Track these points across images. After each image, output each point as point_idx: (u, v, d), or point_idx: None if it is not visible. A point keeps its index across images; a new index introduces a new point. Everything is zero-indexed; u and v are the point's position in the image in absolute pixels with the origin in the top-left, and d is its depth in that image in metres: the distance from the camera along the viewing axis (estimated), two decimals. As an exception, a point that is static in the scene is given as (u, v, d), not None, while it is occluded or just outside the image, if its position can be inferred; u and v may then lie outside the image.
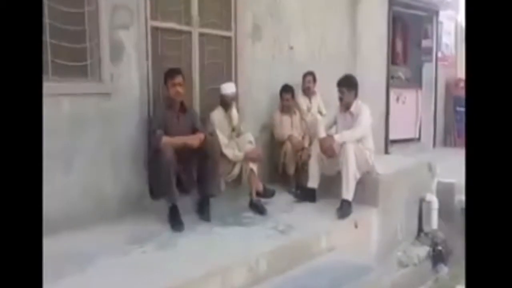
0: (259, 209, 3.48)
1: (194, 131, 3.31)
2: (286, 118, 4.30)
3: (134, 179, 3.30)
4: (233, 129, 3.77)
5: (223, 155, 3.49)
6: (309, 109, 4.59)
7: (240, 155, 3.58)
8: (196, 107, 3.77)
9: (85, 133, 3.02)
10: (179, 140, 3.10)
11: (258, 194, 3.63)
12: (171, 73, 3.21)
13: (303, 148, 4.17)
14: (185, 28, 3.69)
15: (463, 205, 4.73)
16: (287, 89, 4.24)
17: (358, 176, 3.59)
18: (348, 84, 3.73)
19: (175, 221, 3.05)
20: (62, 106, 2.90)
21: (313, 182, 3.76)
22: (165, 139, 3.05)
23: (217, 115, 3.70)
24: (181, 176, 3.12)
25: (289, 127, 4.28)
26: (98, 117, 3.09)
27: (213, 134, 3.51)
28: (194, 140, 3.13)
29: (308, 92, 4.62)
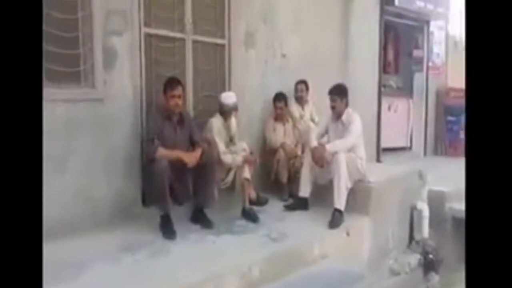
0: (252, 217, 3.48)
1: (191, 142, 3.31)
2: (279, 126, 4.31)
3: (127, 186, 3.28)
4: (230, 139, 3.76)
5: (219, 161, 3.49)
6: (302, 117, 4.61)
7: (238, 159, 3.58)
8: (190, 113, 3.76)
9: (78, 139, 3.00)
10: (176, 154, 3.08)
11: (251, 202, 3.63)
12: (171, 84, 3.17)
13: (296, 156, 4.19)
14: (178, 35, 3.70)
15: (454, 213, 4.79)
16: (280, 97, 4.26)
17: (350, 185, 3.60)
18: (339, 93, 3.76)
19: (167, 230, 3.03)
20: (55, 112, 2.88)
21: (304, 191, 3.77)
22: (161, 152, 3.03)
23: (216, 122, 3.69)
24: (175, 186, 3.09)
25: (282, 135, 4.30)
26: (91, 123, 3.07)
27: (210, 141, 3.50)
28: (190, 158, 3.11)
29: (300, 100, 4.65)
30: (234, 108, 3.76)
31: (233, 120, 3.79)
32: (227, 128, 3.74)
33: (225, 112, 3.71)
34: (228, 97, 3.73)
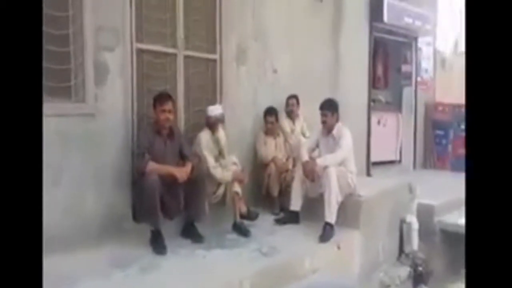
0: (242, 231, 3.48)
1: (181, 156, 3.32)
2: (270, 140, 4.35)
3: (117, 201, 3.27)
4: (220, 152, 3.78)
5: (209, 175, 3.50)
6: (292, 131, 4.65)
7: (228, 175, 3.59)
8: (181, 129, 3.78)
9: (68, 153, 3.00)
10: (166, 169, 3.09)
11: (241, 216, 3.63)
12: (161, 99, 3.19)
13: (287, 170, 4.21)
14: (170, 50, 3.74)
15: (442, 226, 4.84)
16: (271, 112, 4.31)
17: (340, 198, 3.63)
18: (330, 108, 3.82)
19: (157, 245, 3.02)
20: (45, 126, 2.87)
21: (295, 205, 3.79)
22: (152, 166, 3.03)
23: (204, 136, 3.71)
24: (165, 201, 3.09)
25: (273, 149, 4.33)
26: (81, 138, 3.07)
27: (200, 155, 3.52)
28: (181, 173, 3.11)
29: (291, 114, 4.69)
30: (220, 120, 3.77)
31: (221, 133, 3.79)
32: (215, 141, 3.74)
33: (212, 124, 3.72)
34: (214, 109, 3.76)
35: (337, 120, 3.85)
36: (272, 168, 4.14)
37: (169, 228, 3.25)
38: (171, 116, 3.22)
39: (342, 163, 3.73)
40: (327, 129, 3.84)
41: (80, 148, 3.07)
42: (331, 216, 3.51)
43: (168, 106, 3.19)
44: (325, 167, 3.58)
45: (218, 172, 3.57)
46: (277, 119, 4.35)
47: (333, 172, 3.55)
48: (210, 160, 3.59)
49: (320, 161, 3.64)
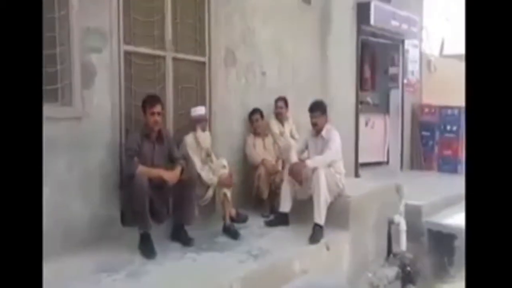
0: (232, 234, 3.47)
1: (170, 159, 3.30)
2: (259, 142, 4.36)
3: (105, 205, 3.23)
4: (207, 154, 3.76)
5: (198, 176, 3.48)
6: (281, 134, 4.66)
7: (214, 178, 3.59)
8: (170, 131, 3.76)
9: (55, 157, 2.95)
10: (155, 172, 3.08)
11: (231, 219, 3.63)
12: (150, 101, 3.18)
13: (276, 172, 4.22)
14: (159, 52, 3.72)
15: (430, 226, 4.90)
16: (254, 111, 4.36)
17: (329, 199, 3.66)
18: (320, 109, 3.85)
19: (146, 249, 2.99)
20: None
21: (285, 206, 3.80)
22: (141, 168, 3.01)
23: (189, 138, 3.70)
24: (154, 204, 3.07)
25: (262, 151, 4.34)
26: (68, 141, 3.03)
27: (186, 157, 3.51)
28: (171, 176, 3.11)
29: (280, 116, 4.71)
30: (203, 120, 3.74)
31: (204, 134, 3.74)
32: (201, 140, 3.70)
33: (195, 125, 3.71)
34: (197, 110, 3.75)
35: (326, 122, 3.87)
36: (261, 170, 4.15)
37: (158, 231, 3.22)
38: (160, 119, 3.21)
39: (331, 165, 3.75)
40: (317, 130, 3.87)
41: (67, 151, 3.02)
42: (320, 217, 3.53)
43: (157, 108, 3.17)
44: (314, 169, 3.60)
45: (204, 174, 3.56)
46: (262, 117, 4.36)
47: (322, 174, 3.57)
48: (197, 161, 3.58)
49: (309, 163, 3.66)
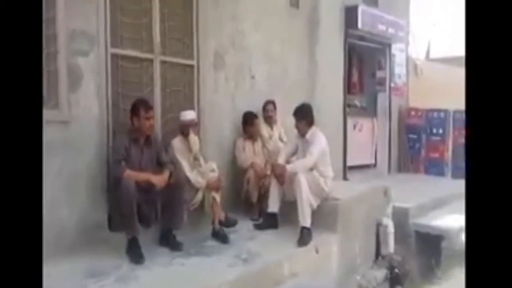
0: (221, 238, 3.46)
1: (158, 163, 3.28)
2: (248, 145, 4.36)
3: (92, 209, 3.19)
4: (195, 158, 3.75)
5: (186, 180, 3.47)
6: (270, 137, 4.67)
7: (203, 182, 3.57)
8: (157, 135, 3.73)
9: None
10: (143, 176, 3.05)
11: (220, 223, 3.61)
12: (144, 106, 3.16)
13: (265, 175, 4.21)
14: (146, 55, 3.69)
15: (417, 228, 4.95)
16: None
17: (315, 203, 3.67)
18: (302, 113, 3.88)
19: (134, 254, 2.96)
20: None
21: (273, 207, 3.81)
22: (128, 172, 2.98)
23: (177, 142, 3.68)
24: (142, 208, 3.04)
25: (251, 154, 4.34)
26: (54, 145, 2.98)
27: (174, 161, 3.49)
28: (159, 180, 3.08)
29: (269, 120, 4.72)
30: (192, 125, 3.74)
31: (193, 138, 3.75)
32: (188, 146, 3.70)
33: (184, 129, 3.70)
34: (186, 114, 3.74)
35: (310, 125, 3.89)
36: (251, 173, 4.15)
37: (147, 236, 3.19)
38: (152, 123, 3.19)
39: (313, 168, 3.76)
40: (301, 134, 3.90)
41: (54, 155, 2.97)
42: (304, 220, 3.54)
43: (151, 113, 3.17)
44: (295, 174, 3.61)
45: (192, 177, 3.55)
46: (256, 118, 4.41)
47: (302, 178, 3.58)
48: (185, 165, 3.56)
49: (289, 167, 3.69)
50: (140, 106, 3.15)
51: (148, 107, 3.17)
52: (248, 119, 4.35)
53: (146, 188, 3.03)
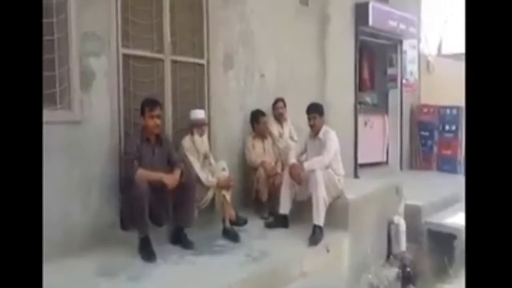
0: (232, 237, 3.47)
1: (169, 162, 3.30)
2: (258, 144, 4.36)
3: (104, 209, 3.23)
4: (205, 156, 3.77)
5: (197, 179, 3.48)
6: (281, 135, 4.66)
7: (213, 180, 3.59)
8: (168, 134, 3.76)
9: (53, 161, 2.95)
10: (155, 175, 3.06)
11: (231, 221, 3.62)
12: (149, 104, 3.17)
13: (276, 174, 4.21)
14: (157, 55, 3.72)
15: (429, 226, 4.90)
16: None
17: (328, 201, 3.66)
18: (317, 110, 3.88)
19: (146, 252, 2.99)
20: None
21: (284, 208, 3.81)
22: (141, 172, 3.00)
23: (187, 141, 3.69)
24: (154, 207, 3.06)
25: (261, 153, 4.33)
26: (67, 145, 3.03)
27: (184, 160, 3.50)
28: (170, 180, 3.08)
29: (280, 118, 4.71)
30: (202, 124, 3.73)
31: (202, 137, 3.73)
32: (198, 145, 3.69)
33: (193, 128, 3.70)
34: (196, 113, 3.75)
35: (323, 123, 3.89)
36: (261, 172, 4.14)
37: (158, 235, 3.22)
38: (159, 122, 3.20)
39: (329, 166, 3.76)
40: (314, 132, 3.89)
41: (66, 155, 3.02)
42: (319, 218, 3.53)
43: (157, 111, 3.17)
44: (312, 171, 3.60)
45: (203, 176, 3.57)
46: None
47: (320, 175, 3.57)
48: (195, 164, 3.58)
49: (307, 165, 3.67)
50: (145, 105, 3.17)
51: (154, 105, 3.17)
52: (256, 117, 4.35)
53: (158, 188, 3.05)
